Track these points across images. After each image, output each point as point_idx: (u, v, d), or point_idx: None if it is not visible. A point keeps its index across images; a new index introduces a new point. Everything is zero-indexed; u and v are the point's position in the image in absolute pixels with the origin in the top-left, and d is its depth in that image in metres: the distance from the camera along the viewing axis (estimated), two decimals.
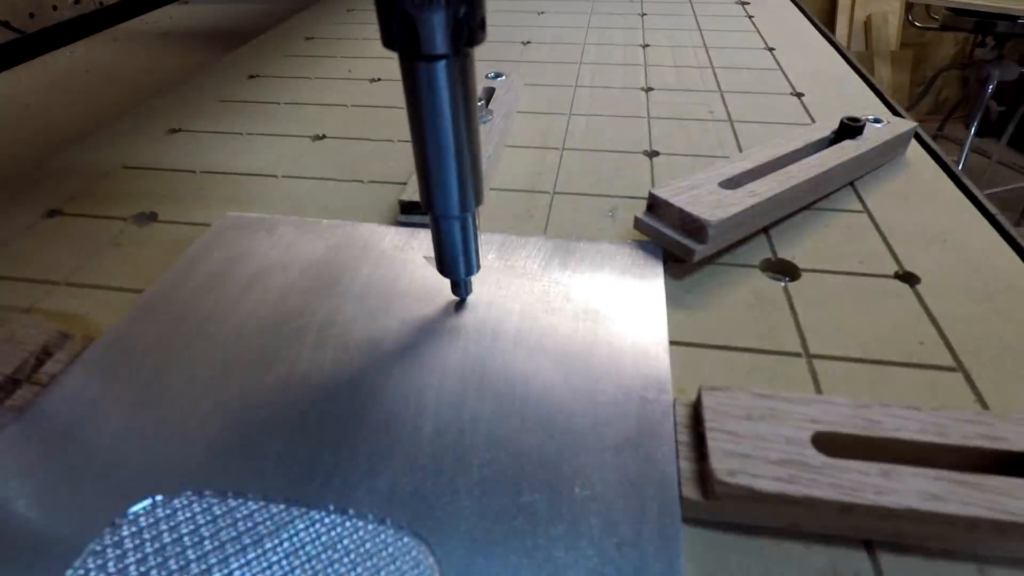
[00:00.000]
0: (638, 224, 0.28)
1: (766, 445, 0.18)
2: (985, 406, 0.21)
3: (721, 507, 0.17)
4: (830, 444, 0.18)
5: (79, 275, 0.29)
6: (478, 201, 0.20)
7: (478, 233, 0.22)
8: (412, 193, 0.30)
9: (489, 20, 0.52)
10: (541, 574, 0.16)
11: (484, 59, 0.52)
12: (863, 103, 0.43)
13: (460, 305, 0.24)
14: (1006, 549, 0.16)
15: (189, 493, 0.18)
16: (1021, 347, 0.23)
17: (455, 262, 0.22)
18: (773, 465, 0.17)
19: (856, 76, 0.48)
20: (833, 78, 0.47)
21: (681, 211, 0.26)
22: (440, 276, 0.23)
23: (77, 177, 0.37)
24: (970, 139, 1.60)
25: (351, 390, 0.21)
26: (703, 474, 0.18)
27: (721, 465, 0.17)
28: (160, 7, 0.81)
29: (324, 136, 0.41)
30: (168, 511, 0.17)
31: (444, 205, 0.20)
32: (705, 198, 0.27)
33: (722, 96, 0.44)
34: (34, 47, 0.68)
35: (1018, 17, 1.48)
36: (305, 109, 0.45)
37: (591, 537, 0.16)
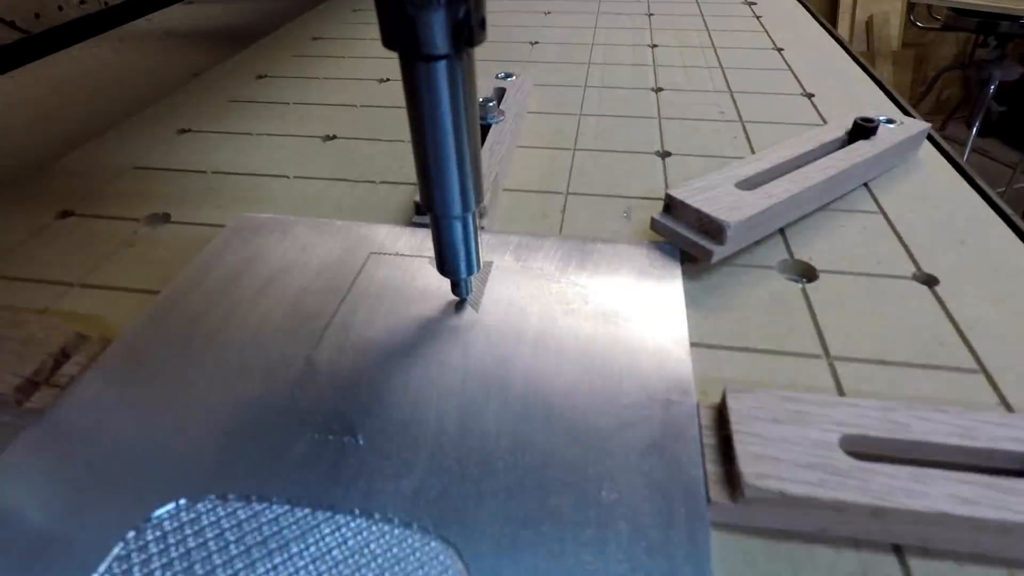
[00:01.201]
0: (655, 225, 0.28)
1: (794, 448, 0.17)
2: (1009, 408, 0.21)
3: (749, 511, 0.17)
4: (858, 447, 0.18)
5: (94, 276, 0.29)
6: (478, 200, 0.20)
7: (479, 233, 0.22)
8: None
9: (496, 20, 0.52)
10: None
11: (492, 59, 0.52)
12: (873, 103, 0.43)
13: (460, 305, 0.24)
14: None
15: (213, 497, 0.18)
16: None
17: (455, 262, 0.22)
18: (802, 468, 0.17)
19: (865, 76, 0.47)
20: (842, 78, 0.47)
21: (699, 212, 0.26)
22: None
23: (88, 177, 0.37)
24: (972, 139, 1.61)
25: (372, 392, 0.21)
26: (731, 477, 0.18)
27: (749, 468, 0.17)
28: (165, 7, 0.81)
29: (335, 136, 0.40)
30: (193, 515, 0.17)
31: (444, 205, 0.20)
32: (722, 199, 0.27)
33: (732, 96, 0.44)
34: (39, 48, 0.68)
35: (1020, 17, 1.48)
36: (315, 109, 0.45)
37: (619, 542, 0.16)
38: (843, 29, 1.98)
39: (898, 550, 0.17)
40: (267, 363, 0.22)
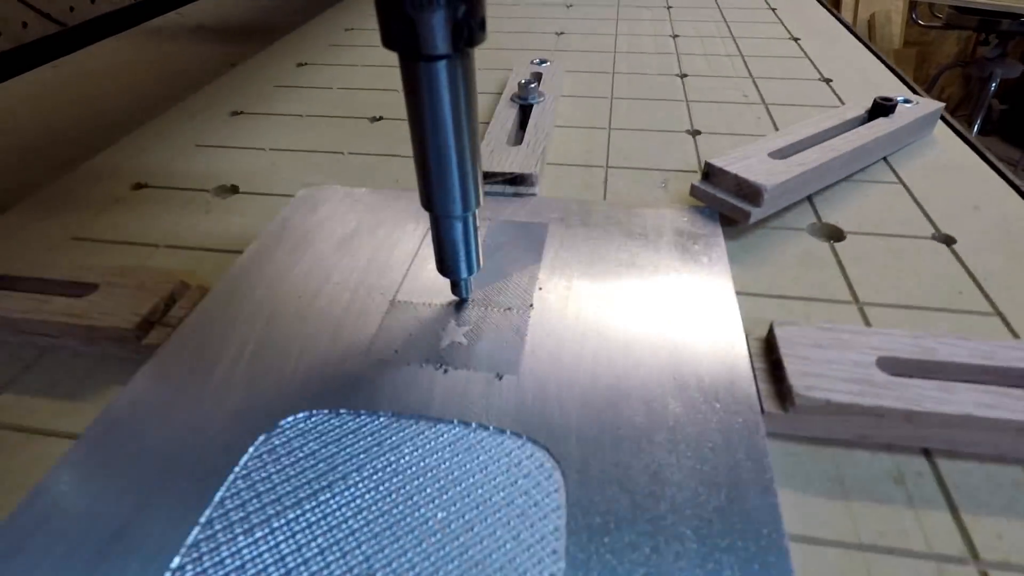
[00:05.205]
0: (694, 191, 0.31)
1: (836, 367, 0.20)
2: None
3: (798, 419, 0.20)
4: (891, 367, 0.20)
5: (176, 239, 0.31)
6: (478, 201, 0.21)
7: (479, 233, 0.22)
8: (486, 164, 0.32)
9: (520, 12, 0.55)
10: (647, 472, 0.18)
11: (521, 48, 0.55)
12: (888, 88, 0.45)
13: (460, 305, 0.25)
14: None
15: (326, 411, 0.20)
16: None
17: (456, 262, 0.22)
18: (844, 382, 0.19)
19: (879, 63, 0.50)
20: (857, 66, 0.50)
21: (737, 177, 0.29)
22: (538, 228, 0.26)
23: (154, 154, 0.39)
24: (973, 137, 1.63)
25: (452, 328, 0.23)
26: (781, 392, 0.20)
27: (799, 382, 0.19)
28: (194, 0, 0.83)
29: (381, 118, 0.43)
30: (311, 424, 0.20)
31: (445, 205, 0.20)
32: (757, 167, 0.30)
33: (754, 82, 0.47)
34: (75, 40, 0.70)
35: (1021, 15, 1.50)
36: (358, 94, 0.47)
37: (688, 443, 0.19)
38: None
39: (927, 452, 0.20)
40: (355, 304, 0.25)
